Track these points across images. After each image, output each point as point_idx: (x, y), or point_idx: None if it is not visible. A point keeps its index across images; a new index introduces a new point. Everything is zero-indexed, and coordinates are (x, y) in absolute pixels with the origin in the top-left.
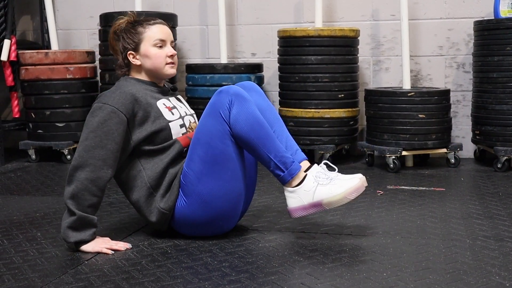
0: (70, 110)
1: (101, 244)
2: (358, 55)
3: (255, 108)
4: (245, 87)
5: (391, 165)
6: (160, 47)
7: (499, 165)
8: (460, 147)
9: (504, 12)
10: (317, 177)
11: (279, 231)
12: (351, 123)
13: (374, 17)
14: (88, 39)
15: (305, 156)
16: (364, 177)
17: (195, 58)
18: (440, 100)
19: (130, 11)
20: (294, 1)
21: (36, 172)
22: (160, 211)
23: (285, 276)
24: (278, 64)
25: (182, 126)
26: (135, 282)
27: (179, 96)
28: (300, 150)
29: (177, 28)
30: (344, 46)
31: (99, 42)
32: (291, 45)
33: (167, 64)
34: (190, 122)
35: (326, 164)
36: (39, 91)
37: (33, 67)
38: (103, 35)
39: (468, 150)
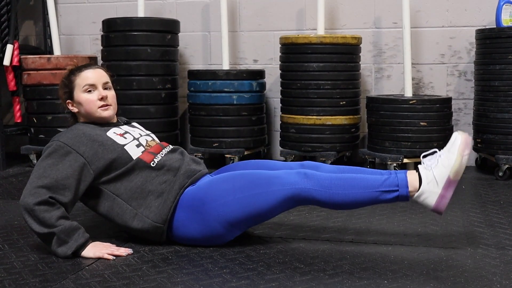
0: None
1: (102, 250)
2: (360, 62)
3: (326, 175)
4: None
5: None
6: (89, 91)
7: (500, 174)
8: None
9: (506, 21)
10: (427, 165)
11: (280, 238)
12: (352, 130)
13: (376, 24)
14: (90, 45)
15: (396, 171)
16: (460, 131)
17: (197, 64)
18: (441, 108)
19: (74, 60)
20: (296, 8)
21: None
22: (153, 224)
23: (285, 283)
24: (280, 71)
25: (138, 145)
26: None
27: (134, 123)
28: (383, 170)
29: (180, 34)
30: (346, 53)
31: (101, 47)
32: (293, 52)
33: (99, 107)
34: (147, 141)
35: (424, 156)
36: (41, 96)
37: (35, 72)
38: (106, 40)
39: (470, 158)
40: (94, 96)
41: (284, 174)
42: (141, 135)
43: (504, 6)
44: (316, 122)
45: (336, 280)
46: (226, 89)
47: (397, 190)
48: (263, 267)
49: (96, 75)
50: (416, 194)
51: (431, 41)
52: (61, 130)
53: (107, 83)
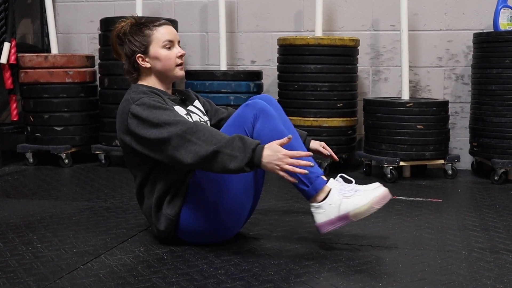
0: (69, 114)
1: (285, 160)
2: (358, 64)
3: (279, 123)
4: (266, 101)
5: (389, 175)
6: (169, 48)
7: (496, 177)
8: (457, 158)
9: (503, 25)
10: (342, 190)
11: (276, 239)
12: (349, 132)
13: (374, 27)
14: (88, 44)
15: (322, 171)
16: (384, 188)
17: (194, 64)
18: (438, 111)
19: (131, 16)
20: (294, 9)
21: (33, 176)
22: (167, 217)
23: (280, 285)
24: (277, 72)
25: None
26: None
27: (196, 103)
28: (317, 165)
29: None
30: (343, 55)
31: (99, 46)
32: (291, 54)
33: (177, 65)
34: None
35: (342, 177)
36: (38, 95)
37: (32, 70)
38: (103, 39)
39: (466, 161)
40: (173, 53)
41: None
42: (200, 121)
43: (502, 10)
44: (313, 123)
45: (331, 282)
46: (223, 90)
47: (308, 187)
48: (258, 268)
49: (174, 32)
50: (315, 204)
51: (429, 44)
52: (57, 128)
53: (179, 41)
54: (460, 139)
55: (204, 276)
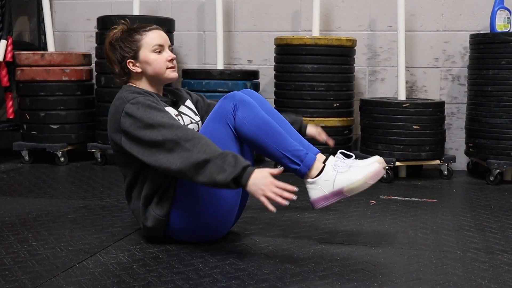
0: (65, 112)
1: (270, 188)
2: (354, 64)
3: (260, 110)
4: (245, 93)
5: (384, 175)
6: (159, 52)
7: (491, 178)
8: (453, 159)
9: (500, 26)
10: (336, 166)
11: (271, 238)
12: (345, 132)
13: (371, 27)
14: (84, 42)
15: (318, 150)
16: (381, 158)
17: (191, 63)
18: (434, 112)
19: (123, 20)
20: (291, 9)
21: (29, 174)
22: (155, 217)
23: (276, 284)
24: (274, 72)
25: None
26: (126, 287)
27: (187, 103)
28: (312, 145)
29: (174, 33)
30: (340, 55)
31: (95, 45)
32: (288, 53)
33: (168, 68)
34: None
35: (342, 153)
36: (34, 93)
37: (28, 68)
38: (100, 38)
39: (461, 162)
40: (163, 57)
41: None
42: (191, 122)
43: (498, 11)
44: (310, 123)
45: (326, 281)
46: (220, 89)
47: (299, 165)
48: (254, 267)
49: (164, 36)
50: (309, 179)
51: (426, 45)
52: (53, 126)
53: (170, 46)
54: (456, 140)
55: (199, 275)
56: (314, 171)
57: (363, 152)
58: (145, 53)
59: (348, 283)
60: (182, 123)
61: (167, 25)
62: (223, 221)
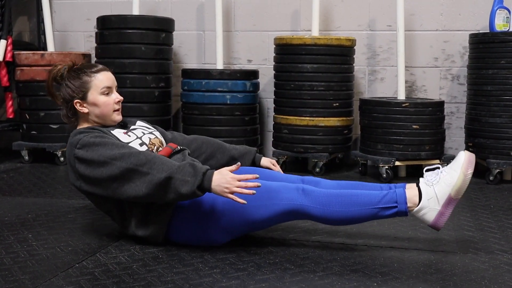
0: None
1: (233, 183)
2: (354, 64)
3: (324, 191)
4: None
5: (384, 175)
6: (107, 94)
7: (491, 178)
8: (453, 158)
9: (499, 26)
10: (428, 181)
11: (271, 239)
12: (345, 132)
13: (370, 27)
14: (84, 42)
15: (403, 184)
16: (466, 151)
17: (191, 63)
18: (434, 111)
19: (69, 59)
20: (291, 9)
21: (28, 174)
22: (156, 227)
23: (276, 284)
24: (274, 72)
25: (142, 144)
26: (126, 287)
27: (138, 123)
28: (390, 184)
29: (174, 33)
30: (340, 55)
31: (95, 44)
32: (287, 53)
33: (114, 111)
34: (150, 139)
35: (427, 170)
36: (34, 92)
37: (28, 68)
38: (100, 38)
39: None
40: (111, 99)
41: (283, 188)
42: (144, 133)
43: (497, 11)
44: (309, 123)
45: (326, 281)
46: (219, 89)
47: (396, 207)
48: (254, 267)
49: (111, 78)
50: (415, 209)
51: (425, 44)
52: (53, 126)
53: (116, 87)
54: (455, 139)
55: (199, 275)
56: (414, 199)
57: (363, 152)
58: (93, 95)
59: (348, 283)
60: (134, 137)
61: (166, 24)
62: (225, 230)
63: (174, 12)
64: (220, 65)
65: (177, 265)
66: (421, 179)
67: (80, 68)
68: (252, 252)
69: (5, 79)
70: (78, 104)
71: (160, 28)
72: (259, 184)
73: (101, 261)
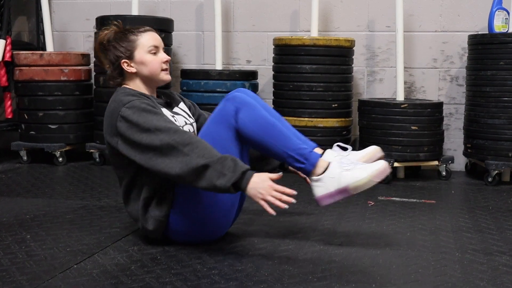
0: (63, 112)
1: (270, 191)
2: (353, 65)
3: (261, 110)
4: (244, 94)
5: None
6: (155, 53)
7: (489, 179)
8: (451, 160)
9: (498, 27)
10: (341, 163)
11: (270, 240)
12: (344, 132)
13: (369, 28)
14: (83, 42)
15: (316, 144)
16: (378, 148)
17: (190, 63)
18: (433, 112)
19: (115, 21)
20: (290, 10)
21: (27, 174)
22: (155, 219)
23: (274, 285)
24: (273, 72)
25: None
26: None
27: (181, 105)
28: (308, 139)
29: (173, 33)
30: (339, 56)
31: (94, 45)
32: (286, 54)
33: (162, 70)
34: (189, 131)
35: (338, 145)
36: (32, 92)
37: (27, 68)
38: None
39: (460, 163)
40: (158, 58)
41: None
42: (186, 123)
43: (496, 12)
44: (308, 124)
45: (324, 283)
46: (218, 89)
47: (304, 164)
48: (252, 268)
49: (159, 39)
50: (315, 177)
51: (424, 45)
52: (52, 126)
53: (163, 47)
54: (454, 141)
55: (197, 276)
56: (319, 168)
57: None
58: (140, 53)
59: (347, 284)
60: (177, 124)
61: (165, 25)
62: (222, 221)
63: (173, 13)
64: (219, 66)
65: (175, 266)
66: (330, 152)
67: (127, 29)
68: (250, 253)
69: (4, 79)
70: (125, 64)
71: (159, 28)
72: (293, 200)
73: (100, 262)
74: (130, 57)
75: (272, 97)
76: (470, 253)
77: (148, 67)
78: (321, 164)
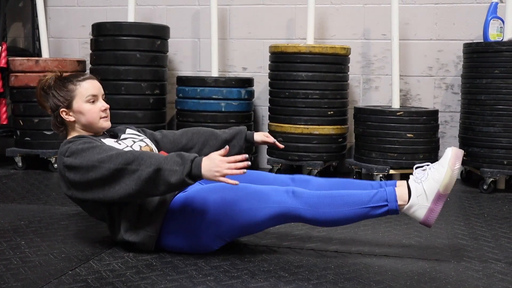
0: None
1: (223, 165)
2: (349, 73)
3: (314, 193)
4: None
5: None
6: (93, 102)
7: (485, 187)
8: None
9: (493, 36)
10: (417, 178)
11: (265, 246)
12: (339, 140)
13: (365, 36)
14: (79, 48)
15: (394, 181)
16: (453, 146)
17: (186, 70)
18: (428, 120)
19: (56, 68)
20: (286, 17)
21: (22, 180)
22: (147, 234)
23: None
24: (268, 79)
25: None
26: None
27: (128, 131)
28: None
29: (169, 40)
30: (334, 63)
31: (90, 51)
32: (282, 61)
33: (101, 118)
34: (140, 147)
35: (417, 167)
36: (28, 99)
37: (23, 74)
38: (95, 44)
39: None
40: (97, 107)
41: (273, 191)
42: (134, 142)
43: (491, 21)
44: (304, 131)
45: None
46: (214, 96)
47: (387, 205)
48: (248, 275)
49: (97, 86)
50: (406, 207)
51: (419, 53)
52: (47, 132)
53: (103, 95)
54: None
55: (193, 283)
56: (404, 197)
57: (357, 160)
58: (78, 103)
59: None
60: (124, 146)
61: (161, 32)
62: (217, 235)
63: (169, 20)
64: (215, 73)
65: (170, 273)
66: (410, 176)
67: (66, 77)
68: (246, 260)
69: None
70: (64, 113)
71: (155, 35)
72: (249, 163)
73: (94, 268)
74: (69, 106)
75: (268, 105)
76: (465, 260)
77: (86, 116)
78: (401, 193)
